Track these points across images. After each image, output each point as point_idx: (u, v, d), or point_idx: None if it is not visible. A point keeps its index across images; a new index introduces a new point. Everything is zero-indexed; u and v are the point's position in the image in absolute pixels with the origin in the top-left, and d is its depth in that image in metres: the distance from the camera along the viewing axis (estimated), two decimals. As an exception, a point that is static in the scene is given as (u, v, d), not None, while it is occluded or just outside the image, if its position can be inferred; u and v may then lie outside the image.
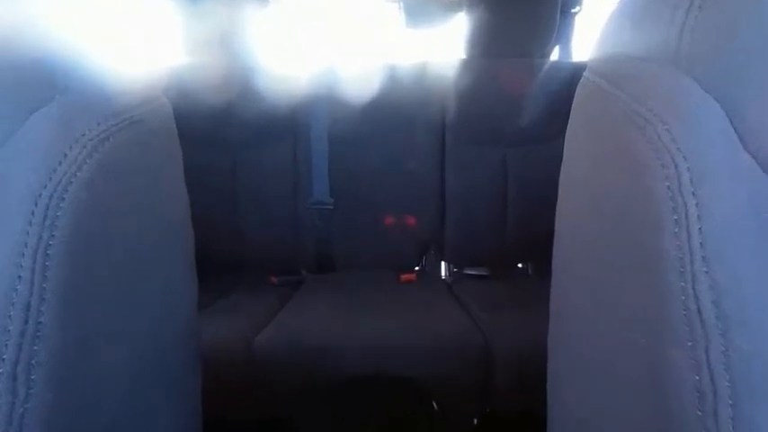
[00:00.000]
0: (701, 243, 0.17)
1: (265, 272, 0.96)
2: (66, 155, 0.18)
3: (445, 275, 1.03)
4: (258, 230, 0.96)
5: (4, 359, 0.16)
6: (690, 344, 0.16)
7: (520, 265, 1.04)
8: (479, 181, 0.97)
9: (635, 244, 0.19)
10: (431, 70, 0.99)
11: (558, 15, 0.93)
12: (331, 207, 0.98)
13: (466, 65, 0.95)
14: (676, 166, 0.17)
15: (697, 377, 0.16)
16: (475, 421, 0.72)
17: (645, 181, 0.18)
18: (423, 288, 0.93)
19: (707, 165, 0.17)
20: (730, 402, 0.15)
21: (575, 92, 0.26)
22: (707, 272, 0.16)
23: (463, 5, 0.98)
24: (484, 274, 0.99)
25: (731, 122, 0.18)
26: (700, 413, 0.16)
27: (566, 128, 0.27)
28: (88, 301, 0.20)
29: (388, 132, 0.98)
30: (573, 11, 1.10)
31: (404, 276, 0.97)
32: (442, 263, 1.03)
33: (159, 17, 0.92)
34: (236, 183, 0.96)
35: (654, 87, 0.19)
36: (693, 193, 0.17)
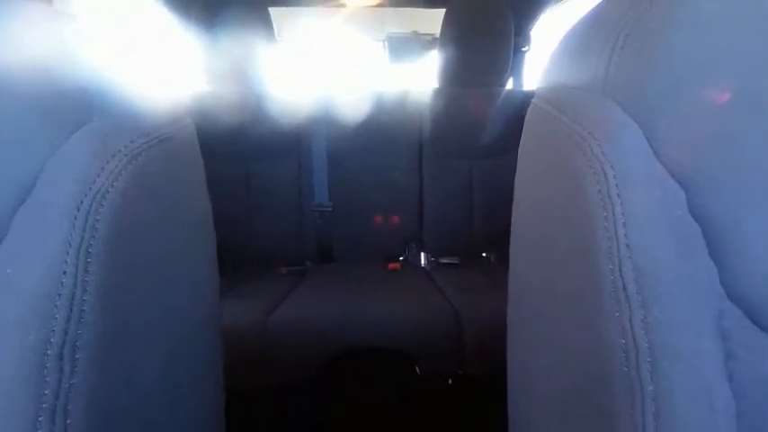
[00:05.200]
0: (625, 234, 0.17)
1: (275, 263, 0.95)
2: (103, 168, 0.18)
3: (424, 264, 1.03)
4: (268, 229, 0.94)
5: (51, 342, 0.15)
6: (617, 314, 0.17)
7: (484, 255, 1.05)
8: (450, 187, 0.98)
9: (574, 236, 0.20)
10: (410, 97, 0.99)
11: (512, 53, 0.94)
12: (330, 209, 0.98)
13: (438, 92, 0.96)
14: (605, 174, 0.18)
15: (623, 341, 0.17)
16: (450, 381, 0.73)
17: (581, 185, 0.19)
18: (406, 275, 0.93)
19: (628, 172, 0.18)
20: (649, 360, 0.16)
21: (526, 115, 0.26)
22: (630, 257, 0.17)
23: (436, 44, 0.99)
24: (455, 262, 0.99)
25: (647, 138, 0.18)
26: (626, 369, 0.16)
27: (519, 144, 0.27)
28: (125, 292, 0.19)
29: (376, 148, 0.98)
30: (523, 49, 1.12)
31: (390, 265, 0.97)
32: (422, 254, 1.04)
33: (184, 52, 0.90)
34: (249, 190, 0.95)
35: (587, 111, 0.20)
36: (618, 195, 0.17)
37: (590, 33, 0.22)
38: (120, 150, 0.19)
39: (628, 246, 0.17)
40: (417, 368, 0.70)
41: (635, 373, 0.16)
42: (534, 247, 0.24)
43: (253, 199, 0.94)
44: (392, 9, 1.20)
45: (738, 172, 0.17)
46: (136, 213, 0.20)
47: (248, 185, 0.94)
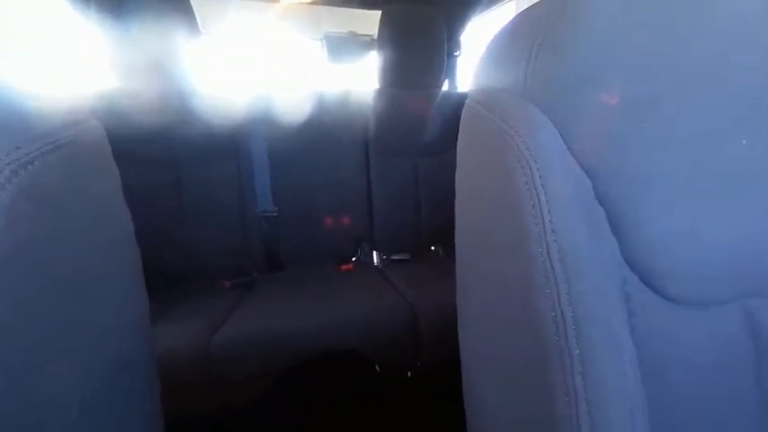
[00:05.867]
0: (550, 220, 0.19)
1: (218, 277, 0.87)
2: None
3: (377, 262, 1.04)
4: (207, 239, 0.86)
5: None
6: (548, 291, 0.19)
7: (433, 248, 1.09)
8: (398, 185, 1.00)
9: (508, 224, 0.22)
10: (352, 97, 0.99)
11: (445, 57, 1.00)
12: (276, 214, 0.93)
13: (380, 93, 0.97)
14: (530, 167, 0.20)
15: (553, 313, 0.19)
16: (409, 374, 0.74)
17: (511, 178, 0.21)
18: (359, 275, 0.93)
19: (549, 165, 0.20)
20: (574, 327, 0.18)
21: (461, 115, 0.28)
22: (555, 240, 0.19)
23: (375, 46, 1.00)
24: (406, 258, 1.02)
25: (561, 135, 0.21)
26: (557, 338, 0.19)
27: (456, 142, 0.29)
28: (14, 328, 0.16)
29: (320, 148, 0.96)
30: (455, 54, 1.20)
31: (343, 267, 0.96)
32: (374, 252, 1.04)
33: (88, 43, 0.77)
34: (181, 197, 0.85)
35: (512, 112, 0.22)
36: (542, 185, 0.20)
37: (510, 42, 0.24)
38: (1, 160, 0.15)
39: (553, 230, 0.19)
40: (377, 367, 0.71)
41: (564, 340, 0.18)
42: (475, 237, 0.26)
43: (187, 207, 0.85)
44: (328, 8, 1.18)
45: (630, 164, 0.21)
46: (27, 234, 0.16)
47: (180, 192, 0.85)
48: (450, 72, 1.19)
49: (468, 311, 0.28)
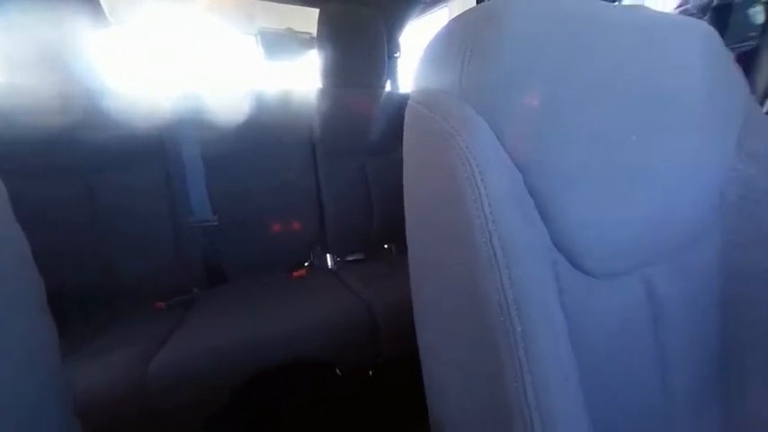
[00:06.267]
0: (490, 211, 0.21)
1: (150, 297, 0.77)
2: None
3: (331, 265, 1.03)
4: (134, 255, 0.76)
5: None
6: (492, 277, 0.21)
7: (386, 247, 1.10)
8: (347, 185, 0.99)
9: (453, 218, 0.23)
10: (295, 97, 0.96)
11: (386, 58, 1.02)
12: (215, 223, 0.85)
13: (323, 93, 0.95)
14: (470, 164, 0.21)
15: (498, 296, 0.20)
16: (370, 372, 0.75)
17: (454, 174, 0.22)
18: (313, 279, 0.90)
19: (486, 161, 0.22)
20: (516, 307, 0.20)
21: (405, 114, 0.29)
22: (496, 229, 0.21)
23: (314, 44, 0.97)
24: (361, 258, 1.02)
25: (495, 134, 0.23)
26: (502, 319, 0.20)
27: (402, 141, 0.29)
28: None
29: (262, 150, 0.91)
30: (396, 55, 1.23)
31: (295, 273, 0.92)
32: (328, 255, 1.02)
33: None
34: (97, 208, 0.73)
35: (452, 112, 0.23)
36: (482, 180, 0.21)
37: (445, 46, 0.26)
38: None
39: (494, 221, 0.21)
40: (337, 370, 0.70)
41: (508, 320, 0.20)
42: (425, 232, 0.27)
43: (103, 220, 0.73)
44: (262, 2, 1.12)
45: (552, 159, 0.24)
46: None
47: (93, 203, 0.73)
48: (391, 73, 1.22)
49: (421, 304, 0.29)
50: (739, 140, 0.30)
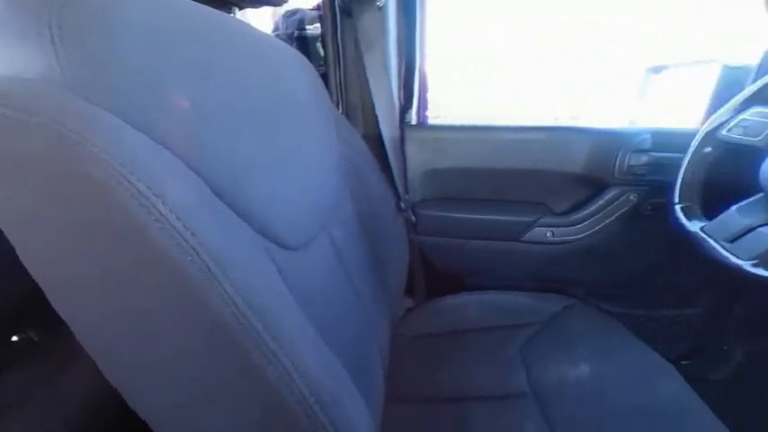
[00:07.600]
0: (183, 227, 0.18)
1: None
2: None
3: None
4: None
5: None
6: (214, 290, 0.19)
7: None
8: None
9: (129, 252, 0.18)
10: None
11: None
12: None
13: None
14: (128, 181, 0.17)
15: (228, 308, 0.19)
16: None
17: (108, 199, 0.17)
18: None
19: (153, 175, 0.18)
20: (248, 308, 0.20)
21: None
22: (197, 242, 0.19)
23: None
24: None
25: (153, 139, 0.19)
26: (240, 325, 0.19)
27: None
28: None
29: None
30: None
31: None
32: None
33: None
34: None
35: (69, 109, 0.17)
36: (156, 196, 0.18)
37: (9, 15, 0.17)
38: None
39: (192, 234, 0.18)
40: None
41: (246, 321, 0.20)
42: (86, 283, 0.19)
43: None
44: None
45: (225, 157, 0.24)
46: None
47: None
48: None
49: (119, 355, 0.21)
50: (337, 131, 0.47)
